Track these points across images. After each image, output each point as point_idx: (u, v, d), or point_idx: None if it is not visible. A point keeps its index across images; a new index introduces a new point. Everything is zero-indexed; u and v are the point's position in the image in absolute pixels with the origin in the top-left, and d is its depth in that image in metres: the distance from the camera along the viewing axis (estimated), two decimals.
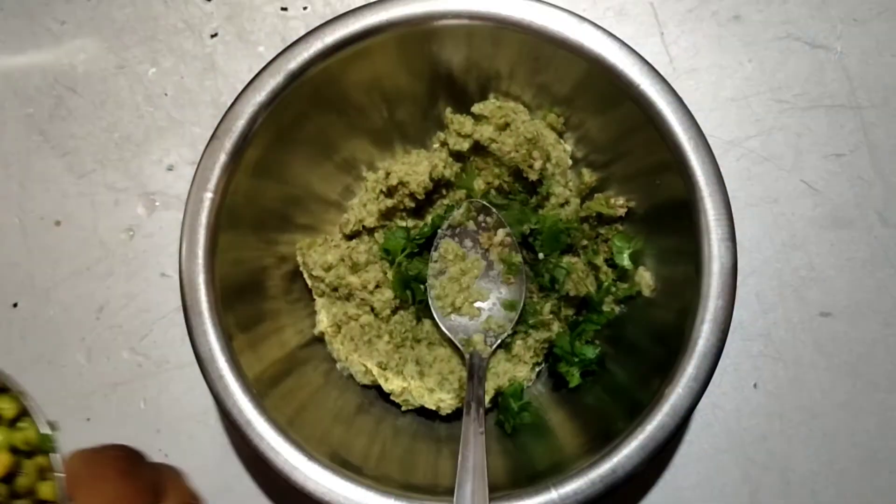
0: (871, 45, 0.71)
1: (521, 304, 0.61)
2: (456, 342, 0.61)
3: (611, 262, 0.63)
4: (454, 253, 0.62)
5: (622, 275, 0.63)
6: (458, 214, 0.63)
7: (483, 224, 0.63)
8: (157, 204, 0.70)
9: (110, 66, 0.72)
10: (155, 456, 0.66)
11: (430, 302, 0.62)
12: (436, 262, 0.62)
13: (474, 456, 0.51)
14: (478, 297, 0.62)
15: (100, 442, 0.65)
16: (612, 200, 0.62)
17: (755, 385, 0.67)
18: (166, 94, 0.71)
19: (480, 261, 0.62)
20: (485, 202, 0.63)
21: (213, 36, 0.72)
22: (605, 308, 0.63)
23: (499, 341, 0.61)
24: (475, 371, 0.59)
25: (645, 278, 0.60)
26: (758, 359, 0.67)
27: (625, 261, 0.62)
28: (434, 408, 0.61)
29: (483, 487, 0.50)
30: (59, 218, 0.70)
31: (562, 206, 0.63)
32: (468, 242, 0.63)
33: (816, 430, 0.66)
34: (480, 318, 0.62)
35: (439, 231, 0.63)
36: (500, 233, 0.62)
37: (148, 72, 0.71)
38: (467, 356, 0.60)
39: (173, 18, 0.72)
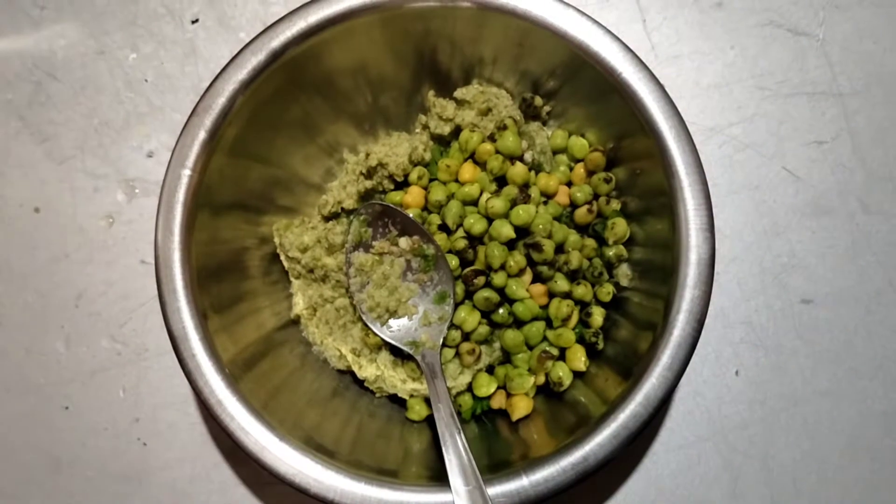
0: (853, 31, 0.71)
1: (453, 290, 0.59)
2: (404, 348, 0.59)
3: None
4: (369, 262, 0.60)
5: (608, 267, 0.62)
6: (353, 231, 0.60)
7: (385, 223, 0.61)
8: (136, 191, 0.69)
9: (90, 51, 0.71)
10: (133, 445, 0.67)
11: (364, 318, 0.60)
12: (354, 277, 0.60)
13: (459, 459, 0.50)
14: (409, 293, 0.60)
15: (78, 429, 0.65)
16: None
17: (736, 372, 0.67)
18: (146, 80, 0.70)
19: (399, 259, 0.60)
20: (380, 202, 0.61)
21: (193, 21, 0.71)
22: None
23: (445, 332, 0.59)
24: (431, 369, 0.57)
25: (622, 269, 0.60)
26: (739, 346, 0.67)
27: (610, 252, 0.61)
28: (407, 398, 0.60)
29: (479, 486, 0.49)
30: (37, 205, 0.69)
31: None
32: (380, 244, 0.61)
33: (797, 417, 0.66)
34: (418, 314, 0.59)
35: (346, 248, 0.61)
36: (403, 241, 0.60)
37: (128, 57, 0.71)
38: (419, 358, 0.58)
39: (154, 3, 0.71)
